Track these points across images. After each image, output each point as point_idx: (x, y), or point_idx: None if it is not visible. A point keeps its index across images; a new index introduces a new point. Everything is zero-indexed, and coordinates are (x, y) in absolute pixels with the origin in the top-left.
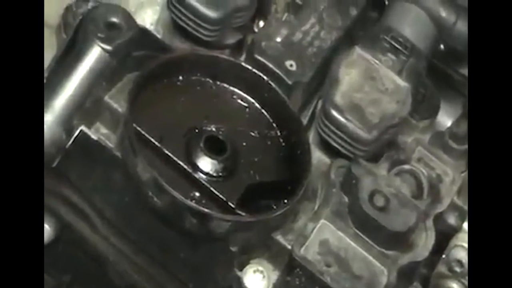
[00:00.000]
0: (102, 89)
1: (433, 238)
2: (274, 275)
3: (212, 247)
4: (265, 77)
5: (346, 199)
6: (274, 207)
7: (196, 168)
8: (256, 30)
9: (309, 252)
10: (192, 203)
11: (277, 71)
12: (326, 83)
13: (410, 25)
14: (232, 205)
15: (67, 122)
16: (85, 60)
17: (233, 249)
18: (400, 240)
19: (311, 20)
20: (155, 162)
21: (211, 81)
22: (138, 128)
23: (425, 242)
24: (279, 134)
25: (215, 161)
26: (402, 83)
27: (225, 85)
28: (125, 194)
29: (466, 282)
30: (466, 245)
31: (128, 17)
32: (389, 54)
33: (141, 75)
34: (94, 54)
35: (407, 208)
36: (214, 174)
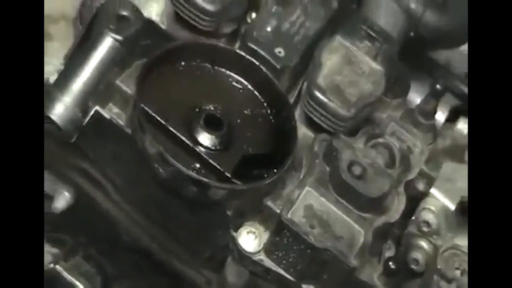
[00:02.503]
0: (114, 74)
1: (404, 202)
2: (265, 236)
3: (210, 212)
4: (256, 62)
5: (327, 168)
6: (265, 176)
7: (197, 143)
8: (249, 21)
9: (296, 215)
10: (193, 173)
11: (267, 56)
12: (310, 67)
13: (384, 15)
14: (228, 175)
15: (84, 103)
16: (98, 49)
17: (229, 213)
18: (375, 205)
19: (297, 12)
20: (161, 138)
21: (209, 66)
22: (146, 108)
23: (397, 206)
24: (269, 112)
25: (213, 136)
26: (377, 66)
27: (222, 69)
28: (134, 166)
29: (433, 241)
30: (433, 208)
31: (136, 10)
32: (366, 41)
33: (148, 61)
34: (106, 43)
35: (381, 176)
36: (212, 148)
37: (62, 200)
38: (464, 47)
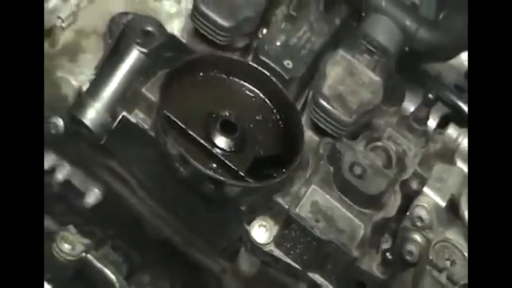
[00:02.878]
0: (140, 83)
1: (400, 200)
2: (275, 229)
3: (225, 207)
4: (267, 73)
5: (331, 169)
6: (275, 175)
7: (214, 145)
8: (260, 36)
9: (302, 210)
10: (211, 172)
11: (277, 68)
12: (315, 78)
13: (382, 32)
14: (242, 174)
15: (112, 109)
16: (126, 60)
17: (243, 208)
18: (374, 201)
19: (303, 28)
20: (181, 140)
21: (225, 76)
22: (168, 114)
23: (393, 202)
24: (278, 118)
25: (228, 139)
26: (375, 77)
27: (236, 79)
28: (157, 165)
29: (426, 234)
30: (425, 205)
31: (160, 26)
32: (365, 55)
33: (170, 72)
34: (133, 55)
35: (380, 176)
36: (228, 150)
37: (92, 196)
38: (453, 61)
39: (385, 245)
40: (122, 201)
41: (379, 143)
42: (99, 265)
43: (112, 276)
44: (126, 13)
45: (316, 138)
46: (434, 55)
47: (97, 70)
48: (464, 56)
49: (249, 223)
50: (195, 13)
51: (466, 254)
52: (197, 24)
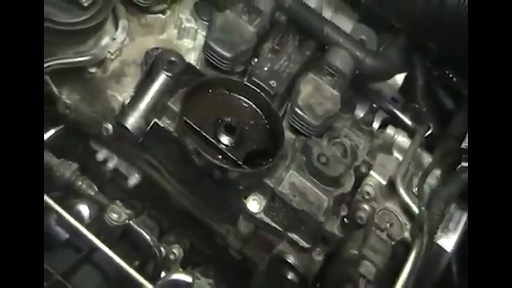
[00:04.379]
0: (166, 98)
1: (353, 180)
2: (264, 201)
3: (228, 187)
4: (258, 90)
5: (304, 158)
6: (264, 163)
7: (219, 142)
8: (252, 63)
9: (284, 189)
10: (218, 162)
11: (265, 86)
12: (292, 93)
13: (339, 60)
14: (240, 163)
15: (147, 117)
16: (156, 82)
17: (241, 187)
18: (335, 181)
19: (284, 57)
20: (196, 139)
21: (228, 92)
22: (186, 120)
23: (349, 182)
24: (266, 122)
25: (230, 138)
26: (335, 93)
27: (236, 95)
28: (179, 157)
29: (372, 204)
30: (371, 183)
31: (180, 57)
32: (328, 77)
33: (188, 90)
34: (161, 78)
35: (339, 163)
36: (230, 145)
37: (133, 179)
38: (390, 80)
39: (342, 213)
40: (155, 182)
41: (338, 140)
42: (138, 228)
43: (148, 237)
44: (156, 48)
45: (293, 136)
46: (376, 76)
47: (135, 89)
48: (398, 77)
49: (245, 198)
50: (206, 48)
51: (400, 218)
52: (208, 55)
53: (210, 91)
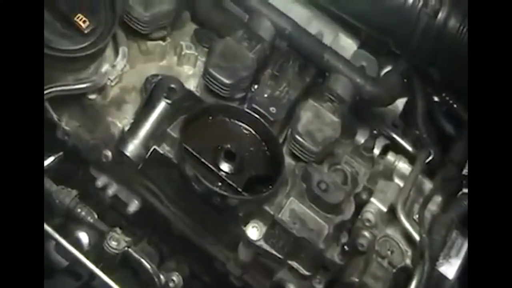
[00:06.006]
0: (166, 125)
1: (354, 207)
2: (264, 229)
3: (228, 214)
4: (258, 117)
5: (304, 185)
6: (264, 190)
7: (219, 169)
8: (252, 90)
9: (284, 216)
10: (217, 189)
11: (265, 113)
12: (292, 120)
13: (340, 86)
14: (240, 190)
15: (146, 143)
16: (156, 109)
17: (240, 214)
18: (335, 208)
19: (284, 84)
20: (196, 166)
21: (227, 119)
22: (186, 146)
23: (349, 209)
24: (266, 148)
25: (230, 165)
26: (335, 119)
27: (236, 121)
28: (179, 184)
29: (372, 231)
30: (372, 210)
31: (180, 84)
32: (328, 103)
33: (188, 116)
34: (161, 105)
35: (339, 190)
36: (229, 172)
37: (133, 205)
38: (391, 106)
39: (343, 240)
40: (154, 209)
41: (338, 166)
42: (137, 256)
43: (147, 264)
44: (156, 75)
45: (293, 163)
46: (377, 102)
47: (135, 116)
48: (398, 102)
49: (245, 225)
50: (206, 74)
51: (401, 245)
52: (207, 82)
53: (210, 117)
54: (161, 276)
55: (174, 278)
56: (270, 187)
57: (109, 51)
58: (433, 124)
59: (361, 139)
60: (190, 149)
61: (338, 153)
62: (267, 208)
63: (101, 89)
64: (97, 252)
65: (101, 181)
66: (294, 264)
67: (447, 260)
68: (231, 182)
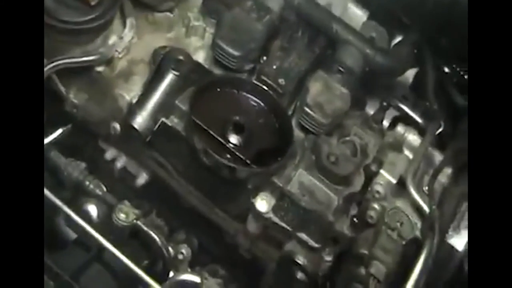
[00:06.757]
0: (174, 97)
1: (363, 178)
2: (273, 201)
3: (237, 186)
4: (266, 88)
5: (313, 157)
6: (273, 162)
7: (228, 141)
8: (261, 61)
9: (292, 188)
10: (226, 161)
11: (274, 85)
12: (302, 91)
13: (349, 57)
14: (249, 162)
15: (154, 116)
16: (164, 81)
17: (249, 186)
18: (344, 180)
19: (293, 55)
20: (205, 138)
21: (236, 91)
22: (195, 119)
23: (358, 181)
24: (275, 121)
25: (238, 137)
26: (345, 91)
27: (244, 93)
28: (188, 156)
29: (382, 203)
30: (382, 182)
31: (189, 56)
32: (337, 74)
33: (196, 88)
34: (169, 77)
35: (348, 162)
36: (238, 145)
37: (141, 178)
38: (401, 77)
39: (352, 212)
40: (163, 181)
41: (348, 138)
42: (146, 229)
43: (156, 237)
44: (164, 47)
45: (302, 135)
46: (387, 74)
47: (143, 88)
48: (408, 74)
49: (254, 197)
50: (214, 46)
51: (411, 217)
52: (216, 54)
53: (219, 90)
54: (170, 249)
55: (183, 250)
56: (279, 159)
57: (116, 23)
58: (444, 95)
59: (370, 110)
60: (198, 122)
61: (348, 124)
62: (276, 180)
63: (108, 61)
64: (106, 225)
65: (109, 153)
66: (303, 236)
67: (456, 232)
68: (239, 154)
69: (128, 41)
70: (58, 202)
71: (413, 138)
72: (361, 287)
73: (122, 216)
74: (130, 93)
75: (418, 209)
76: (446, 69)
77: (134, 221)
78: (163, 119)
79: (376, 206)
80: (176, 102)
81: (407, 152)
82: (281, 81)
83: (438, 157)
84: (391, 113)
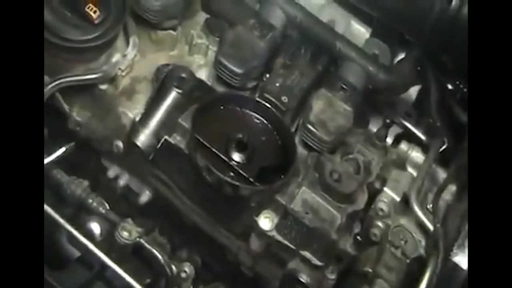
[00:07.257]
0: (177, 115)
1: (366, 196)
2: (276, 219)
3: (240, 203)
4: (269, 106)
5: (316, 175)
6: (276, 180)
7: (231, 159)
8: (264, 79)
9: (296, 206)
10: (229, 179)
11: (277, 102)
12: (305, 109)
13: (352, 75)
14: (252, 180)
15: (157, 134)
16: (167, 99)
17: (252, 204)
18: (347, 198)
19: (295, 73)
20: (207, 156)
21: (239, 109)
22: (197, 137)
23: (362, 198)
24: (278, 138)
25: (241, 155)
26: (348, 108)
27: (247, 111)
28: (191, 174)
29: (386, 221)
30: (385, 199)
31: (192, 73)
32: (340, 92)
33: (199, 106)
34: (172, 95)
35: (351, 179)
36: (241, 162)
37: (144, 196)
38: (404, 94)
39: (356, 230)
40: (166, 199)
41: (351, 156)
42: (149, 246)
43: (158, 255)
44: (167, 65)
45: (305, 152)
46: (390, 91)
47: (146, 106)
48: (411, 91)
49: (257, 215)
50: (217, 64)
51: (415, 235)
52: (219, 71)
53: (221, 107)
54: (173, 267)
55: (186, 268)
56: (282, 177)
57: (119, 41)
58: (447, 112)
59: (374, 128)
60: (201, 139)
61: (351, 142)
62: (279, 198)
63: (112, 79)
64: (108, 243)
65: (112, 171)
66: (307, 254)
67: (461, 250)
68: (242, 172)
69: (131, 59)
70: (60, 220)
71: (416, 155)
72: None
73: (125, 234)
74: (133, 111)
75: (422, 226)
76: (450, 86)
77: (137, 239)
78: (166, 137)
79: (379, 223)
80: (179, 120)
81: (410, 169)
82: (284, 98)
83: (442, 174)
84: (394, 130)
